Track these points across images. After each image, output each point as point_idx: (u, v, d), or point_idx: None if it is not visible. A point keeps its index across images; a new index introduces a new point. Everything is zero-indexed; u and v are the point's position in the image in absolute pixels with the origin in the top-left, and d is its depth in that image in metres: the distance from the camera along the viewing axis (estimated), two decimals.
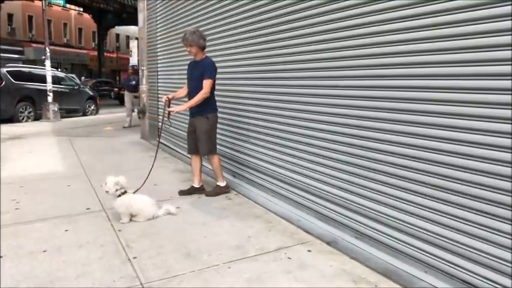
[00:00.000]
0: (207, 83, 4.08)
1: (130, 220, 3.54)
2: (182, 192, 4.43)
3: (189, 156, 6.29)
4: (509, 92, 2.09)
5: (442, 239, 2.48)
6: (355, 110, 3.10)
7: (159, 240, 3.16)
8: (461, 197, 2.36)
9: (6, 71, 11.79)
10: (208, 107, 4.22)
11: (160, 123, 4.26)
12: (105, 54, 38.58)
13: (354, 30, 3.04)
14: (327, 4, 3.31)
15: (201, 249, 2.99)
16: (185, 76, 6.42)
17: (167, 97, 4.38)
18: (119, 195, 3.54)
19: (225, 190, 4.43)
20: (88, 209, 3.89)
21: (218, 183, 4.45)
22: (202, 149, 4.29)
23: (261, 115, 4.41)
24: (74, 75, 16.95)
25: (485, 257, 2.25)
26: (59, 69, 20.28)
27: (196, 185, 4.45)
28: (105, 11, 33.86)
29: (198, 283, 2.52)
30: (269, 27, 4.13)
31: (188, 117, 6.26)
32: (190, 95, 4.26)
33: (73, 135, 8.89)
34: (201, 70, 4.13)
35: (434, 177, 2.51)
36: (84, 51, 40.02)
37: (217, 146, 4.51)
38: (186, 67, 5.99)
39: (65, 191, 4.52)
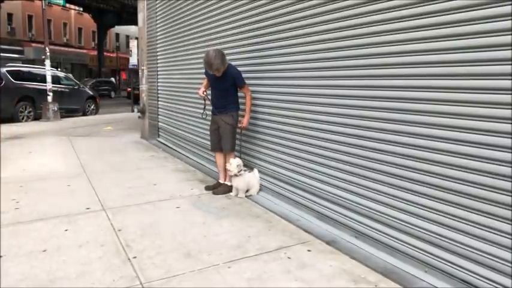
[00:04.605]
0: (246, 89, 4.28)
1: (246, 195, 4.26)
2: (208, 188, 4.56)
3: (189, 156, 6.36)
4: (509, 92, 2.09)
5: (442, 238, 2.48)
6: (354, 110, 3.10)
7: (159, 239, 3.16)
8: (461, 196, 2.37)
9: (6, 71, 11.77)
10: (234, 105, 4.37)
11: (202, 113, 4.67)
12: (104, 53, 38.61)
13: (354, 30, 3.04)
14: (326, 4, 3.31)
15: (201, 249, 2.99)
16: (185, 76, 6.46)
17: (204, 91, 4.49)
18: (235, 175, 4.17)
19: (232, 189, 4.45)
20: (88, 208, 3.89)
21: (226, 182, 4.49)
22: (225, 146, 4.40)
23: (261, 115, 4.41)
24: (71, 75, 16.90)
25: (485, 256, 2.25)
26: (59, 69, 20.27)
27: (221, 181, 4.57)
28: (105, 11, 33.91)
29: (198, 283, 2.52)
30: (269, 27, 4.13)
31: (189, 117, 6.31)
32: (220, 101, 4.37)
33: (73, 135, 8.89)
34: (229, 80, 4.21)
35: (434, 177, 2.51)
36: (84, 51, 40.04)
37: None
38: (187, 67, 6.01)
39: (65, 190, 4.52)
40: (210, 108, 4.59)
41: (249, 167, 4.45)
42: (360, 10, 2.98)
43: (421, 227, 2.61)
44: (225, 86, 4.26)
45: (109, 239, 3.18)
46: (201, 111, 4.69)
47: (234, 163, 4.19)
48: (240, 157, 4.38)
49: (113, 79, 35.34)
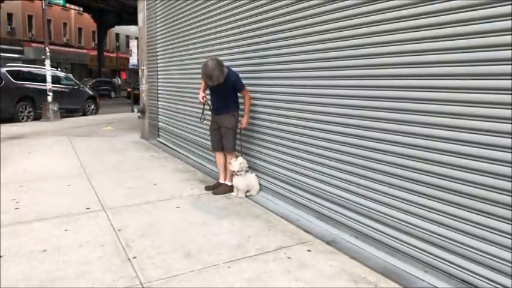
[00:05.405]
0: (245, 91, 4.31)
1: (246, 195, 4.28)
2: (208, 188, 4.56)
3: (189, 156, 6.36)
4: (509, 92, 2.09)
5: (442, 238, 2.48)
6: (354, 109, 3.10)
7: (158, 240, 3.16)
8: (461, 196, 2.36)
9: (6, 71, 11.77)
10: (235, 105, 4.38)
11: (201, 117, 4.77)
12: (104, 53, 38.60)
13: (354, 30, 3.04)
14: (326, 4, 3.31)
15: (201, 249, 2.99)
16: (185, 76, 6.46)
17: (204, 96, 4.50)
18: (236, 174, 4.21)
19: (232, 189, 4.44)
20: (88, 208, 3.89)
21: (226, 182, 4.49)
22: (227, 145, 4.40)
23: (261, 115, 4.41)
24: (71, 75, 16.91)
25: (485, 256, 2.25)
26: (59, 69, 20.27)
27: (222, 181, 4.57)
28: (105, 11, 33.91)
29: (198, 283, 2.52)
30: (269, 27, 4.13)
31: (189, 117, 6.31)
32: (220, 103, 4.37)
33: (73, 134, 8.89)
34: (229, 85, 4.22)
35: (434, 177, 2.51)
36: (84, 51, 40.06)
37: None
38: (186, 67, 6.00)
39: (65, 190, 4.52)
40: (209, 112, 4.58)
41: (253, 168, 4.45)
42: (359, 10, 2.97)
43: (421, 227, 2.61)
44: (225, 90, 4.26)
45: (109, 239, 3.18)
46: (201, 111, 4.69)
47: (238, 162, 4.20)
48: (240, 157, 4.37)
49: (117, 79, 34.92)
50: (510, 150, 2.11)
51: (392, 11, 2.72)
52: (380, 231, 2.93)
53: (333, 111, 3.34)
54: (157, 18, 7.66)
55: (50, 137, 8.63)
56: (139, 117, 8.93)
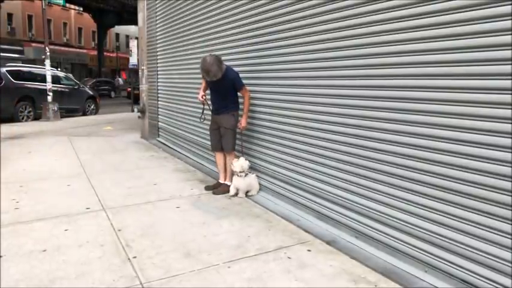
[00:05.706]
0: (245, 91, 4.30)
1: (246, 195, 4.27)
2: (208, 188, 4.55)
3: (189, 156, 6.36)
4: (509, 92, 2.09)
5: (442, 238, 2.48)
6: (355, 110, 3.10)
7: (158, 239, 3.16)
8: (461, 196, 2.36)
9: (6, 71, 11.77)
10: (234, 105, 4.38)
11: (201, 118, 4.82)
12: (104, 53, 38.60)
13: (353, 30, 3.04)
14: (325, 4, 3.31)
15: (201, 249, 2.99)
16: (185, 76, 6.46)
17: (203, 95, 4.51)
18: (238, 175, 4.22)
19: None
20: (88, 208, 3.89)
21: (226, 182, 4.49)
22: (227, 145, 4.40)
23: (261, 115, 4.41)
24: (71, 75, 16.90)
25: (485, 256, 2.25)
26: (59, 69, 20.27)
27: (221, 181, 4.56)
28: (105, 11, 33.91)
29: (198, 283, 2.52)
30: (268, 27, 4.13)
31: (189, 117, 6.31)
32: (220, 103, 4.38)
33: (73, 134, 8.89)
34: (228, 83, 4.22)
35: (434, 177, 2.51)
36: (84, 51, 40.07)
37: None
38: (186, 67, 5.98)
39: (65, 190, 4.52)
40: (209, 112, 4.58)
41: (253, 168, 4.45)
42: (359, 10, 2.97)
43: (421, 227, 2.61)
44: (225, 89, 4.26)
45: (109, 239, 3.18)
46: (201, 111, 4.69)
47: (239, 162, 4.20)
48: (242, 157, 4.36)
49: (118, 79, 34.69)
50: (510, 150, 2.11)
51: (391, 11, 2.72)
52: (380, 231, 2.93)
53: (333, 111, 3.34)
54: (157, 18, 7.66)
55: (50, 137, 8.63)
56: (139, 117, 8.93)
